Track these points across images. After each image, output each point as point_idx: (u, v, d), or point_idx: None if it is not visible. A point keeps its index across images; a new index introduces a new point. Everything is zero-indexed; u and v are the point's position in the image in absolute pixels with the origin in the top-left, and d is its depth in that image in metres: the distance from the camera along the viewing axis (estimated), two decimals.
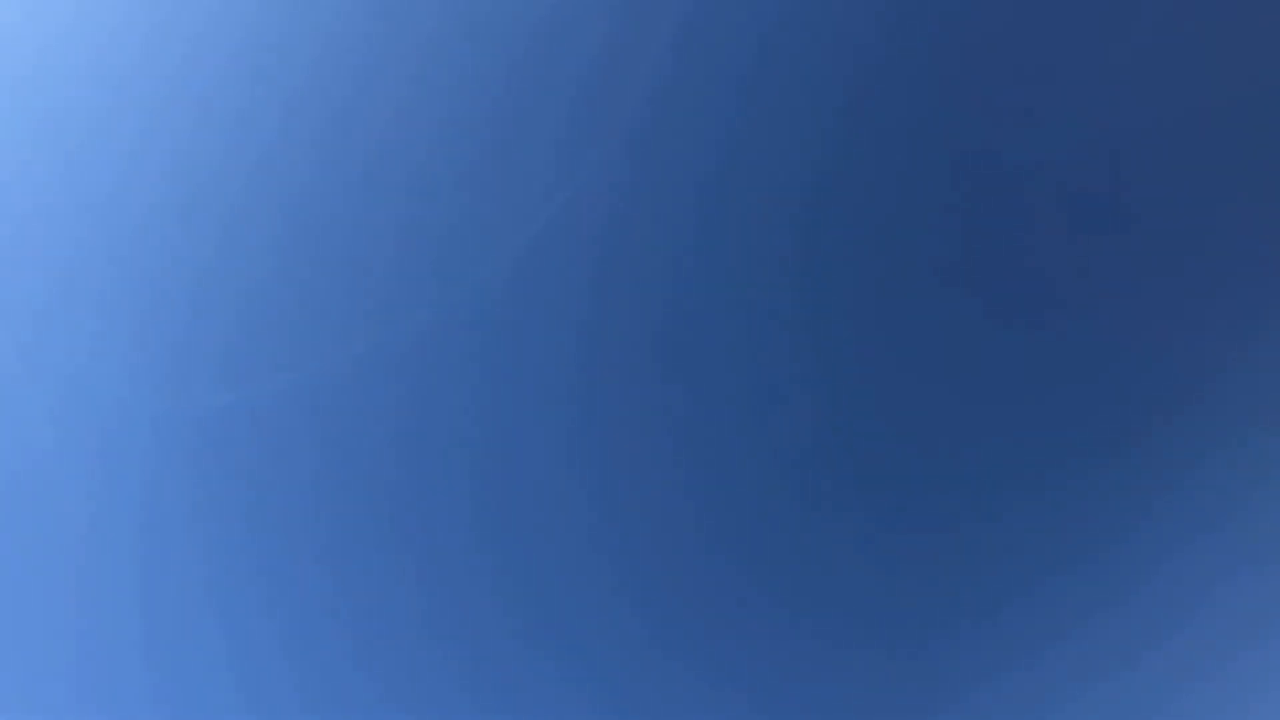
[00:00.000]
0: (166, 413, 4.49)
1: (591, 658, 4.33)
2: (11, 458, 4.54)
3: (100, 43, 4.57)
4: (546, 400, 4.40)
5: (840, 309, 4.32)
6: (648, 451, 4.37)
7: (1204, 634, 4.09)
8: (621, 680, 4.32)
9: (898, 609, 4.25)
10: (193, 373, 4.51)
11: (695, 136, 4.35)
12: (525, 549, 4.41)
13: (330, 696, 4.41)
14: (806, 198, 4.34)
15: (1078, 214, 4.21)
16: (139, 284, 4.54)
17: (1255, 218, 4.12)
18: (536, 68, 4.39)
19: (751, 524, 4.33)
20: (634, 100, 4.34)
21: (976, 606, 4.20)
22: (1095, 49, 4.18)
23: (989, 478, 4.23)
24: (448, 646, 4.39)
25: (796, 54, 4.31)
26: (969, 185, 4.27)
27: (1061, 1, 4.18)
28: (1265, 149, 4.11)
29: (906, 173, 4.28)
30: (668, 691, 4.30)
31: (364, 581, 4.43)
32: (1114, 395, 4.18)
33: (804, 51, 4.30)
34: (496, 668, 4.37)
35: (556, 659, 4.35)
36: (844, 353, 4.31)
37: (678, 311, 4.37)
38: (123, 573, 4.51)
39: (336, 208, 4.47)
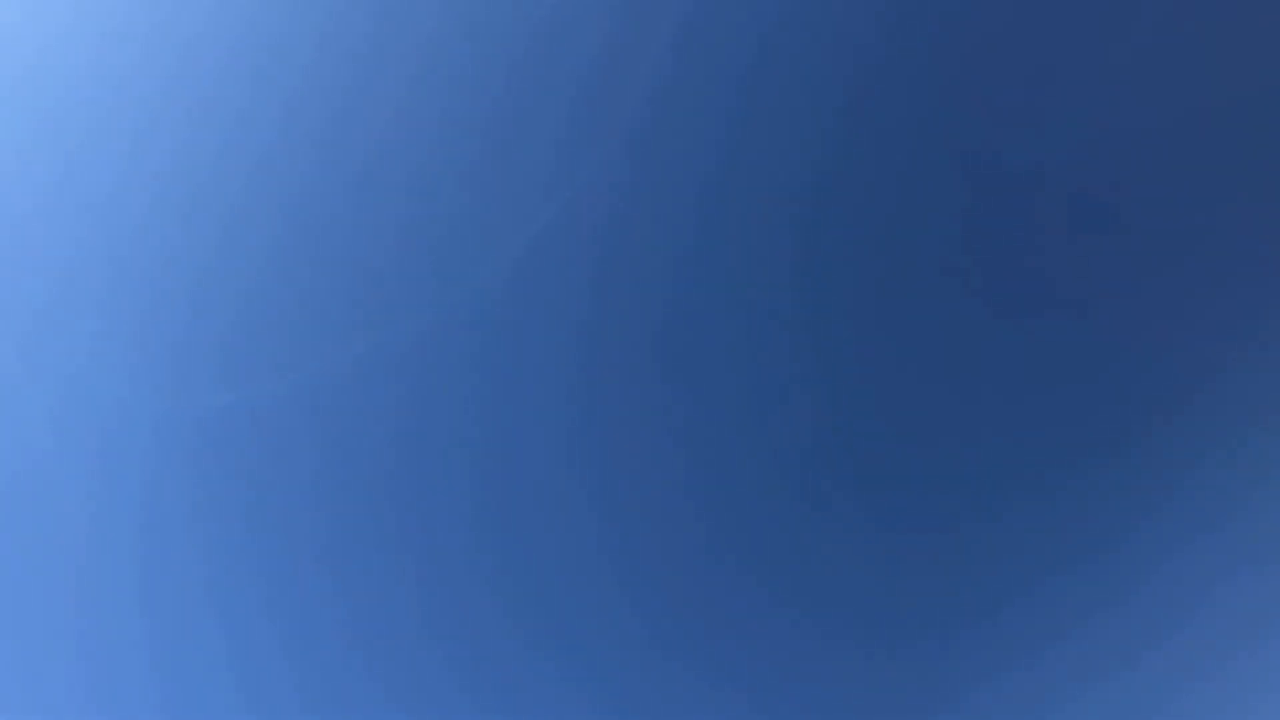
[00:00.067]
0: (166, 413, 4.49)
1: (591, 657, 4.34)
2: (12, 458, 4.54)
3: (100, 43, 4.57)
4: (546, 400, 4.40)
5: (840, 309, 4.32)
6: (647, 451, 4.37)
7: (1204, 634, 4.09)
8: (621, 680, 4.32)
9: (898, 609, 4.25)
10: (193, 373, 4.51)
11: (695, 137, 4.35)
12: (525, 549, 4.41)
13: (330, 696, 4.41)
14: (806, 198, 4.34)
15: (1078, 214, 4.21)
16: (139, 284, 4.54)
17: (1255, 218, 4.12)
18: (536, 68, 4.39)
19: (751, 524, 4.33)
20: (634, 100, 4.34)
21: (976, 606, 4.21)
22: (1095, 50, 4.18)
23: (989, 478, 4.23)
24: (448, 646, 4.39)
25: (797, 54, 4.31)
26: (969, 186, 4.26)
27: (1061, 3, 4.18)
28: (1265, 149, 4.11)
29: (906, 173, 4.28)
30: (668, 691, 4.30)
31: (364, 582, 4.43)
32: (1114, 395, 4.18)
33: (804, 52, 4.30)
34: (496, 668, 4.37)
35: (556, 659, 4.35)
36: (844, 353, 4.31)
37: (678, 311, 4.37)
38: (123, 572, 4.51)
39: (336, 208, 4.47)
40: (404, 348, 4.44)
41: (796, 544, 4.31)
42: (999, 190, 4.25)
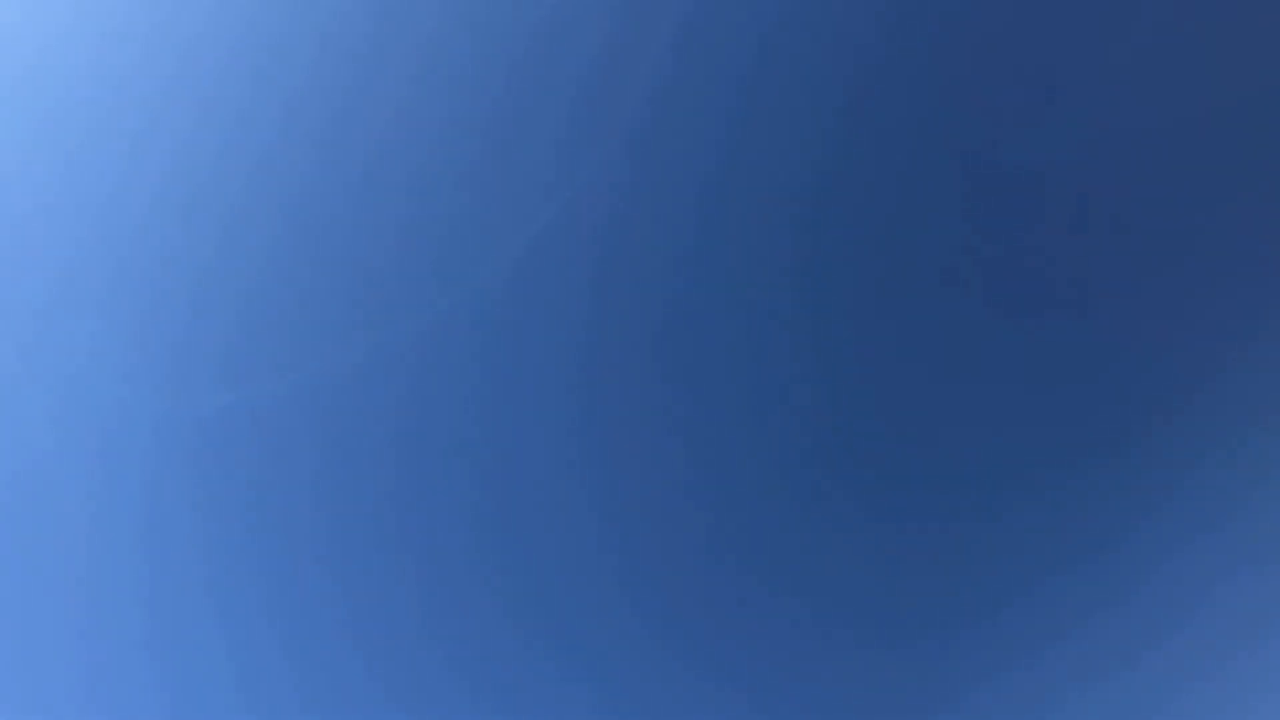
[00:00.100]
0: (167, 413, 4.49)
1: (591, 658, 4.34)
2: (12, 458, 4.54)
3: (100, 43, 4.57)
4: (547, 400, 4.40)
5: (840, 309, 4.32)
6: (648, 451, 4.37)
7: (1204, 634, 4.10)
8: (621, 680, 4.32)
9: (898, 608, 4.26)
10: (193, 373, 4.51)
11: (696, 137, 4.35)
12: (525, 549, 4.41)
13: (331, 696, 4.41)
14: (807, 198, 4.34)
15: (1078, 214, 4.21)
16: (139, 284, 4.54)
17: (1255, 218, 4.12)
18: (536, 68, 4.39)
19: (751, 524, 4.33)
20: (634, 100, 4.34)
21: (976, 606, 4.21)
22: (1095, 51, 4.18)
23: (989, 478, 4.23)
24: (448, 647, 4.39)
25: (796, 54, 4.31)
26: (968, 186, 4.26)
27: (1061, 4, 4.18)
28: (1265, 149, 4.11)
29: (906, 173, 4.28)
30: (668, 691, 4.30)
31: (364, 582, 4.43)
32: (1114, 395, 4.18)
33: (804, 52, 4.30)
34: (496, 668, 4.37)
35: (556, 659, 4.35)
36: (844, 352, 4.31)
37: (678, 312, 4.37)
38: (123, 573, 4.51)
39: (336, 208, 4.47)
40: (404, 348, 4.44)
41: (796, 543, 4.31)
42: (999, 190, 4.25)
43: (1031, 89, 4.22)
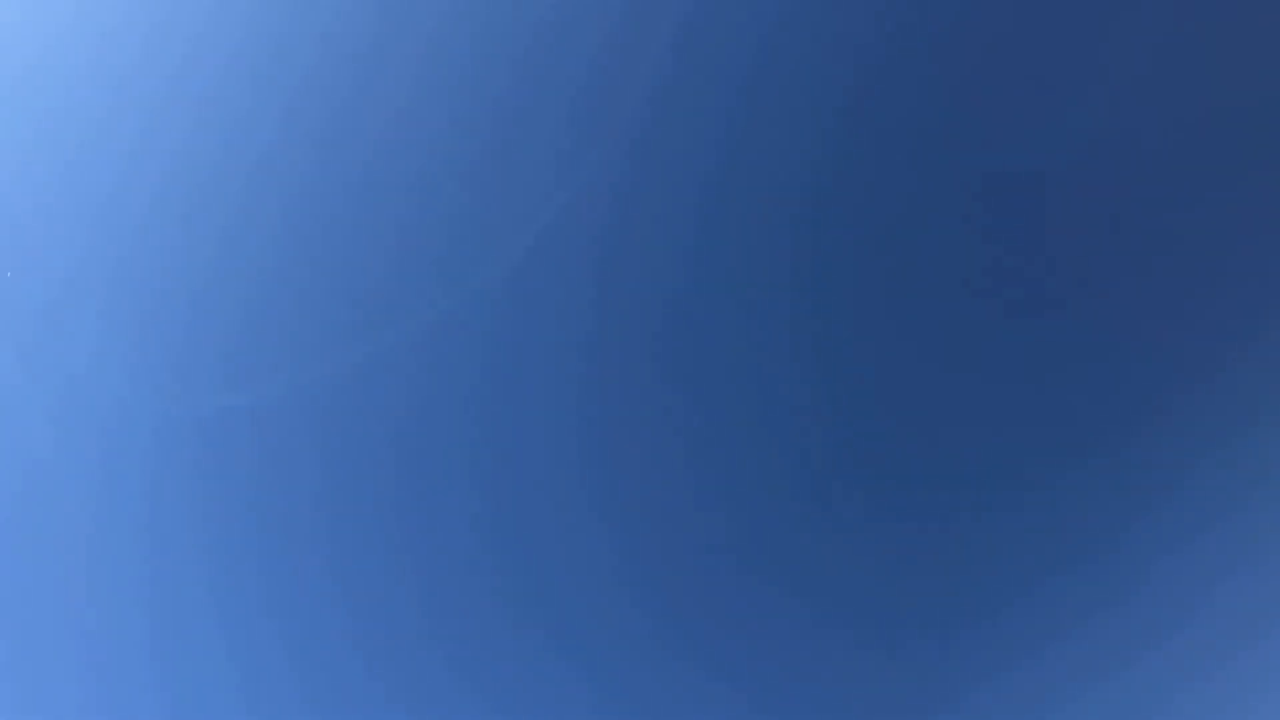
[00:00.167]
0: (168, 414, 4.49)
1: (592, 658, 4.34)
2: (13, 459, 4.54)
3: (100, 43, 4.57)
4: (548, 401, 4.40)
5: (840, 310, 4.32)
6: (649, 451, 4.37)
7: (1204, 634, 4.10)
8: (622, 680, 4.32)
9: (898, 609, 4.26)
10: (193, 374, 4.51)
11: (696, 138, 4.34)
12: (525, 548, 4.41)
13: (332, 696, 4.41)
14: (808, 198, 4.33)
15: (1079, 214, 4.21)
16: (140, 285, 4.54)
17: (1255, 218, 4.12)
18: (537, 68, 4.38)
19: (751, 524, 4.33)
20: (635, 101, 4.34)
21: (976, 606, 4.21)
22: (1095, 51, 4.18)
23: (989, 477, 4.24)
24: (449, 647, 4.40)
25: (797, 56, 4.30)
26: (969, 186, 4.26)
27: (1062, 5, 4.17)
28: (1265, 149, 4.11)
29: (907, 174, 4.28)
30: (669, 691, 4.30)
31: (366, 582, 4.44)
32: (1113, 395, 4.18)
33: (805, 53, 4.30)
34: (497, 668, 4.38)
35: (556, 659, 4.36)
36: (844, 353, 4.31)
37: (679, 312, 4.36)
38: (125, 574, 4.51)
39: (337, 208, 4.47)
40: (405, 348, 4.44)
41: (796, 543, 4.31)
42: (999, 191, 4.24)
43: (1031, 90, 4.21)
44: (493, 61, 4.41)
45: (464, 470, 4.44)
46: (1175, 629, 4.11)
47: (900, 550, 4.27)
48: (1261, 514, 4.10)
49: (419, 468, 4.44)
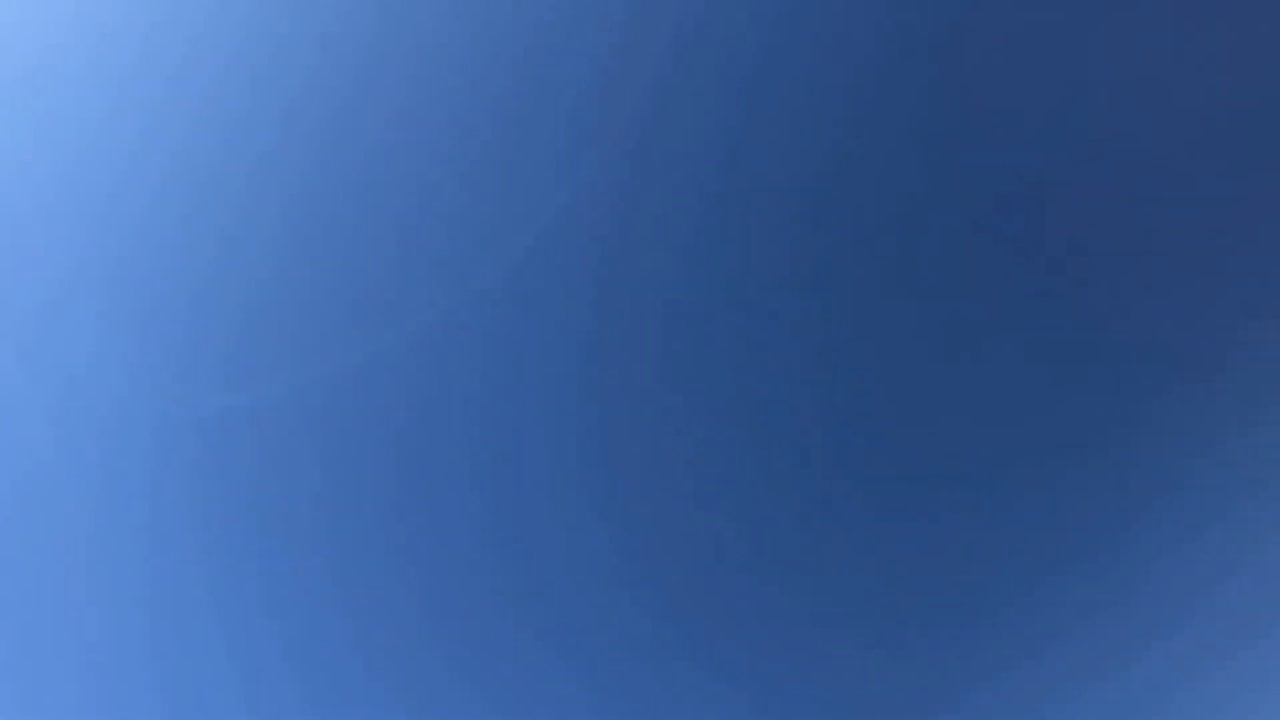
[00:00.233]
0: (168, 414, 4.49)
1: (593, 658, 4.34)
2: (12, 459, 4.54)
3: (100, 43, 4.57)
4: (549, 402, 4.40)
5: (841, 311, 4.32)
6: (650, 451, 4.37)
7: (1204, 634, 4.10)
8: (622, 679, 4.33)
9: (898, 608, 4.26)
10: (194, 374, 4.51)
11: (697, 138, 4.35)
12: (525, 549, 4.42)
13: (332, 696, 4.41)
14: (809, 200, 4.34)
15: (1078, 214, 4.21)
16: (140, 285, 4.54)
17: (1255, 218, 4.13)
18: (537, 68, 4.38)
19: (751, 524, 4.33)
20: (635, 102, 4.34)
21: (976, 606, 4.21)
22: (1096, 52, 4.18)
23: (989, 477, 4.24)
24: (449, 648, 4.40)
25: (799, 57, 4.31)
26: (970, 189, 4.27)
27: (1062, 6, 4.18)
28: (1265, 150, 4.11)
29: (908, 175, 4.28)
30: (669, 691, 4.31)
31: (366, 583, 4.44)
32: (1114, 394, 4.18)
33: (807, 55, 4.30)
34: (498, 668, 4.38)
35: (556, 659, 4.36)
36: (844, 353, 4.31)
37: (680, 313, 4.37)
38: (125, 574, 4.51)
39: (337, 208, 4.47)
40: (405, 349, 4.44)
41: (796, 543, 4.31)
42: (999, 192, 4.25)
43: (1032, 91, 4.22)
44: (493, 62, 4.42)
45: (464, 470, 4.44)
46: (1175, 629, 4.12)
47: (900, 550, 4.27)
48: (1261, 514, 4.10)
49: (419, 468, 4.45)
